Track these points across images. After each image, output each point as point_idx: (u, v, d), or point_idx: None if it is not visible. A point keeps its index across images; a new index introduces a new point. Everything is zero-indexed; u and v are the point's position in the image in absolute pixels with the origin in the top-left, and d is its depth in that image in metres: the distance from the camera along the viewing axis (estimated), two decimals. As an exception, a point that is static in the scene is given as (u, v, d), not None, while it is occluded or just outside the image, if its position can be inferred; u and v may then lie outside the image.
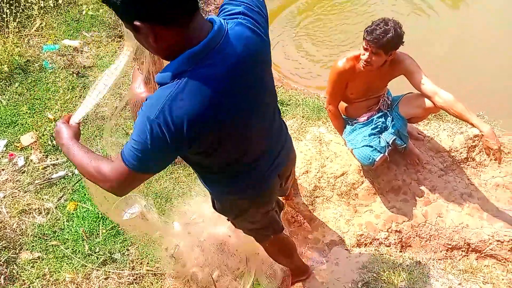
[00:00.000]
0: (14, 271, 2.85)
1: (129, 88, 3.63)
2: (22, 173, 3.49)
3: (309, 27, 5.22)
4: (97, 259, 2.92)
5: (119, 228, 3.09)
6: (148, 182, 3.36)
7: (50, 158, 3.60)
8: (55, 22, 4.90)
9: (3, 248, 2.94)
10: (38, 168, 3.51)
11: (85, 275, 2.84)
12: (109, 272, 2.86)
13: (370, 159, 2.87)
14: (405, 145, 3.01)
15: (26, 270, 2.87)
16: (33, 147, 3.67)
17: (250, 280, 2.76)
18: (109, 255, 2.93)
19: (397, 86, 3.01)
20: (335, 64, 2.84)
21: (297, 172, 3.14)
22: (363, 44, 2.63)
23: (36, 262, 2.92)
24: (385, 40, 2.52)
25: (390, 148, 2.93)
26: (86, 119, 3.88)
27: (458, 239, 2.91)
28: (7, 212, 3.18)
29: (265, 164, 1.74)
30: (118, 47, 4.66)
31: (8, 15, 4.54)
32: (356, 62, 2.77)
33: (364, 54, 2.64)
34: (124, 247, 2.99)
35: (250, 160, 1.65)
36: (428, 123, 3.36)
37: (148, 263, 2.89)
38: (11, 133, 3.76)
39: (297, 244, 2.82)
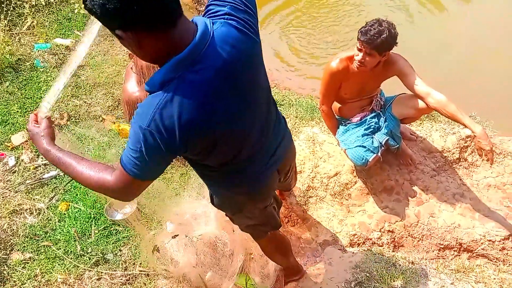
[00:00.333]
0: (5, 272, 2.83)
1: (122, 87, 3.61)
2: (13, 173, 3.46)
3: (298, 26, 5.22)
4: (90, 259, 2.90)
5: (111, 229, 3.07)
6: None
7: (41, 158, 3.57)
8: (47, 21, 4.86)
9: (-6, 249, 2.92)
10: (29, 168, 3.48)
11: (77, 275, 2.82)
12: (101, 272, 2.84)
13: (363, 159, 2.87)
14: (398, 145, 3.02)
15: (17, 271, 2.84)
16: (24, 147, 3.63)
17: (242, 279, 2.76)
18: (101, 255, 2.91)
19: (390, 86, 3.02)
20: (328, 64, 2.84)
21: (290, 172, 3.14)
22: (357, 45, 2.63)
23: (28, 263, 2.89)
24: (379, 41, 2.52)
25: (383, 148, 2.95)
26: (75, 117, 3.86)
27: (450, 239, 2.93)
28: (-3, 212, 3.16)
29: (262, 160, 1.75)
30: (110, 46, 4.63)
31: (-1, 13, 4.50)
32: (349, 63, 2.77)
33: (358, 55, 2.65)
34: (116, 248, 2.97)
35: (247, 157, 1.65)
36: (420, 123, 3.37)
37: (140, 264, 2.88)
38: (1, 132, 3.72)
39: (290, 244, 2.82)
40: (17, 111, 3.89)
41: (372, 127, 3.01)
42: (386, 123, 2.98)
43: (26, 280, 2.79)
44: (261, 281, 2.72)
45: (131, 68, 3.31)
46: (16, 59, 4.31)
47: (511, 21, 4.73)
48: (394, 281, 2.54)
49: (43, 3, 4.94)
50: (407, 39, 4.21)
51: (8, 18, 4.61)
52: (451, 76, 4.23)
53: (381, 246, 2.97)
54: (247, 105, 1.48)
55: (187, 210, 2.98)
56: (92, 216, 3.13)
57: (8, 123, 3.81)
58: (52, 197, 3.28)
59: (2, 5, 4.58)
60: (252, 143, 1.62)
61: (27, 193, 3.30)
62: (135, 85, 3.23)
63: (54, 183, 3.38)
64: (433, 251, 2.96)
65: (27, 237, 3.03)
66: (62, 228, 3.08)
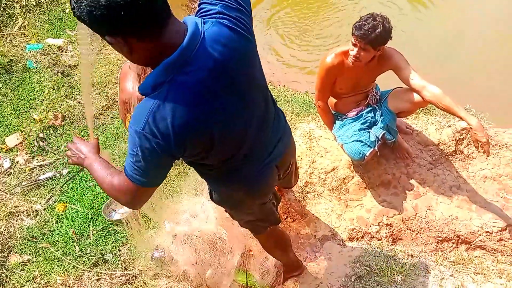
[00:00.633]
0: (3, 275, 2.82)
1: (119, 87, 3.58)
2: (8, 175, 3.44)
3: (291, 21, 5.22)
4: (89, 260, 2.89)
5: (110, 229, 3.06)
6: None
7: (37, 159, 3.55)
8: (38, 21, 4.81)
9: (-9, 252, 2.90)
10: (25, 170, 3.46)
11: (76, 276, 2.82)
12: (101, 273, 2.83)
13: (360, 153, 2.88)
14: (394, 139, 3.03)
15: (16, 274, 2.83)
16: (19, 149, 3.61)
17: (243, 276, 2.77)
18: (100, 256, 2.91)
19: (385, 80, 3.03)
20: (323, 59, 2.84)
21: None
22: (352, 40, 2.63)
23: (26, 265, 2.88)
24: (374, 36, 2.52)
25: (379, 142, 2.95)
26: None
27: (448, 231, 2.94)
28: (-7, 215, 3.13)
29: (261, 156, 1.75)
30: (103, 46, 4.60)
31: (-11, 14, 4.46)
32: (344, 58, 2.77)
33: (353, 50, 2.65)
34: (115, 248, 2.97)
35: (245, 155, 1.65)
36: (416, 117, 3.39)
37: (140, 263, 2.87)
38: (-5, 134, 3.70)
39: (289, 240, 2.83)
40: (11, 113, 3.86)
41: (369, 121, 3.02)
42: (382, 117, 2.99)
43: (26, 283, 2.78)
44: (261, 278, 2.72)
45: (129, 66, 3.28)
46: (8, 60, 4.27)
47: (503, 15, 4.76)
48: (394, 274, 2.55)
49: (34, 3, 4.89)
50: (399, 33, 4.24)
51: (-2, 19, 4.58)
52: (445, 69, 4.25)
53: (380, 239, 2.99)
54: (245, 104, 1.48)
55: (185, 208, 2.98)
56: (90, 216, 3.12)
57: (2, 125, 3.78)
58: (49, 199, 3.27)
59: (-8, 6, 4.55)
60: (250, 141, 1.62)
61: (24, 195, 3.28)
62: (134, 84, 3.19)
63: (51, 184, 3.37)
64: (431, 244, 2.97)
65: (25, 239, 3.02)
66: (60, 229, 3.07)
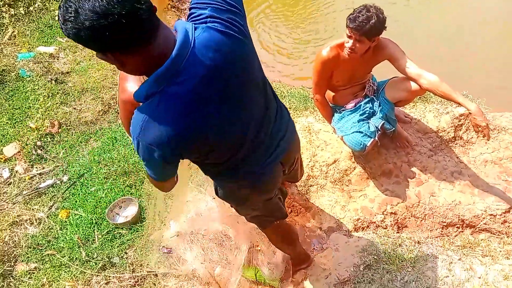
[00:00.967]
0: (11, 284, 2.79)
1: (118, 88, 3.57)
2: (8, 184, 3.41)
3: (283, 16, 5.24)
4: (96, 264, 2.88)
5: (115, 232, 3.05)
6: (140, 183, 3.33)
7: (36, 167, 3.53)
8: (28, 30, 4.79)
9: (-3, 262, 2.88)
10: (25, 179, 3.43)
11: (85, 281, 2.80)
12: (109, 276, 2.82)
13: (361, 144, 2.90)
14: (393, 128, 3.05)
15: (23, 282, 2.81)
16: (17, 158, 3.58)
17: (252, 272, 2.77)
18: (107, 259, 2.89)
19: (381, 71, 3.04)
20: (319, 53, 2.85)
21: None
22: (347, 32, 2.64)
23: (33, 273, 2.86)
24: (368, 27, 2.53)
25: (379, 132, 2.97)
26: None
27: (452, 216, 2.97)
28: (-3, 225, 3.11)
29: (265, 153, 1.75)
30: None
31: (-22, 25, 4.43)
32: (340, 50, 2.78)
33: (348, 42, 2.66)
34: (122, 251, 2.95)
35: (248, 152, 1.65)
36: (414, 105, 3.41)
37: (148, 265, 2.86)
38: (-8, 145, 3.67)
39: (295, 233, 2.83)
40: (7, 123, 3.83)
41: (367, 112, 3.03)
42: (381, 107, 3.00)
43: (34, 290, 2.76)
44: (270, 272, 2.73)
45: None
46: (0, 71, 4.25)
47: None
48: (402, 261, 2.57)
49: (23, 12, 4.88)
50: (394, 22, 4.25)
51: (-12, 29, 4.55)
52: (440, 56, 4.27)
53: (385, 228, 3.00)
54: (242, 106, 1.48)
55: (190, 207, 2.98)
56: (94, 221, 3.10)
57: (-1, 135, 3.75)
58: (51, 206, 3.25)
59: (-19, 17, 4.51)
60: (251, 139, 1.62)
61: (25, 204, 3.26)
62: (135, 84, 3.18)
63: (52, 191, 3.34)
64: (436, 230, 3.00)
65: (30, 247, 3.00)
66: (65, 236, 3.05)
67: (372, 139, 2.91)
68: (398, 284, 2.45)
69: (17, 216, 3.15)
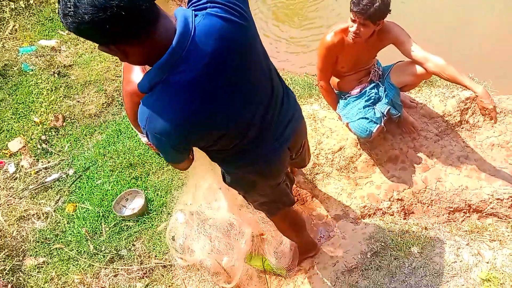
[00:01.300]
0: (20, 278, 2.81)
1: (122, 79, 3.55)
2: (14, 179, 3.42)
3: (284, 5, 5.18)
4: (104, 257, 2.89)
5: (122, 225, 3.06)
6: (146, 175, 3.33)
7: (42, 162, 3.53)
8: (29, 23, 4.78)
9: (6, 257, 2.89)
10: (31, 173, 3.44)
11: (93, 274, 2.82)
12: (117, 269, 2.83)
13: (367, 131, 2.87)
14: (399, 114, 3.02)
15: (32, 276, 2.83)
16: (23, 152, 3.59)
17: (259, 261, 2.78)
18: (115, 252, 2.90)
19: (387, 55, 3.01)
20: (323, 38, 2.81)
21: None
22: (351, 16, 2.60)
23: (42, 267, 2.88)
24: (372, 10, 2.49)
25: (385, 118, 2.95)
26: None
27: (459, 201, 2.95)
28: (4, 220, 3.12)
29: (271, 139, 1.74)
30: (97, 43, 4.56)
31: (-21, 20, 4.41)
32: (344, 35, 2.75)
33: (353, 26, 2.62)
34: (129, 243, 2.97)
35: (255, 137, 1.65)
36: (419, 90, 3.38)
37: (156, 256, 2.87)
38: (-3, 140, 3.67)
39: (302, 221, 2.83)
40: (11, 117, 3.84)
41: (373, 98, 3.00)
42: (386, 92, 2.97)
43: (44, 284, 2.78)
44: (277, 261, 2.73)
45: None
46: (3, 65, 4.24)
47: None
48: (410, 247, 2.56)
49: (23, 6, 4.85)
50: (400, 3, 4.20)
51: (-12, 24, 4.53)
52: (445, 39, 4.22)
53: (392, 215, 2.99)
54: (247, 90, 1.47)
55: (196, 198, 2.97)
56: (101, 214, 3.11)
57: (3, 130, 3.75)
58: (58, 200, 3.26)
59: (-18, 11, 4.49)
60: (259, 123, 1.61)
61: (32, 198, 3.27)
62: (140, 75, 3.15)
63: (58, 185, 3.35)
64: (443, 215, 2.98)
65: (38, 241, 3.01)
66: (72, 229, 3.06)
67: (378, 125, 2.89)
68: (406, 271, 2.45)
69: (24, 210, 3.17)
